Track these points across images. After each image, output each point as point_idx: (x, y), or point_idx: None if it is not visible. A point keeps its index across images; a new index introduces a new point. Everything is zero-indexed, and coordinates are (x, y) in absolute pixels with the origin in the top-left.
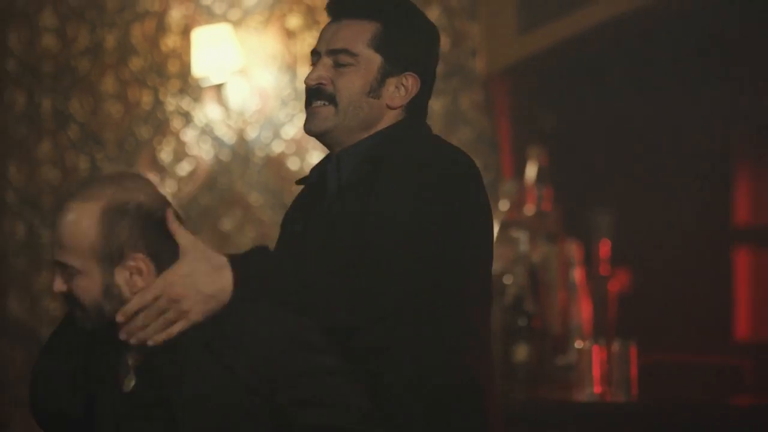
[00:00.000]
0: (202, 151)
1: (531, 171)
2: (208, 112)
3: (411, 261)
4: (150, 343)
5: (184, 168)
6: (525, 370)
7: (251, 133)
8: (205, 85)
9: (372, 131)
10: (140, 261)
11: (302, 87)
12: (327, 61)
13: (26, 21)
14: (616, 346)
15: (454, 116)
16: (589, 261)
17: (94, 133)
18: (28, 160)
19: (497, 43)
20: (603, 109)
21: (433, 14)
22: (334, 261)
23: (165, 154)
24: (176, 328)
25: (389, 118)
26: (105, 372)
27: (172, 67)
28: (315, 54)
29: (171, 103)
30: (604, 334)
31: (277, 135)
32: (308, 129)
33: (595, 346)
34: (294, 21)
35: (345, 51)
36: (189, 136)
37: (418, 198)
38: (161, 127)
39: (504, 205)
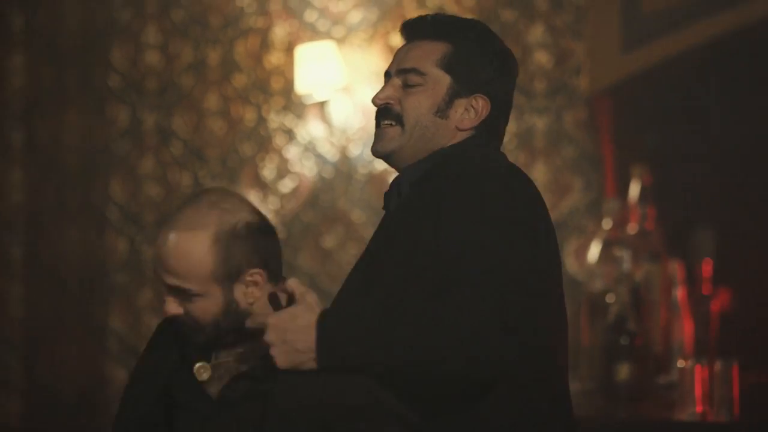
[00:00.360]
0: (305, 168)
1: (634, 190)
2: (311, 129)
3: (498, 290)
4: None
5: (286, 185)
6: (627, 388)
7: (354, 151)
8: (308, 102)
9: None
10: (257, 275)
11: None
12: (396, 81)
13: (130, 37)
14: (718, 366)
15: (558, 134)
16: (692, 280)
17: (197, 149)
18: (130, 177)
19: (601, 62)
20: (706, 128)
21: (537, 32)
22: (413, 309)
23: (268, 171)
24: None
25: (457, 140)
26: (191, 386)
27: (276, 84)
28: (387, 75)
29: (274, 120)
30: (706, 353)
31: None
32: (374, 150)
33: (697, 366)
34: (397, 38)
35: (414, 70)
36: (292, 153)
37: (483, 227)
38: (264, 144)
39: (607, 224)
